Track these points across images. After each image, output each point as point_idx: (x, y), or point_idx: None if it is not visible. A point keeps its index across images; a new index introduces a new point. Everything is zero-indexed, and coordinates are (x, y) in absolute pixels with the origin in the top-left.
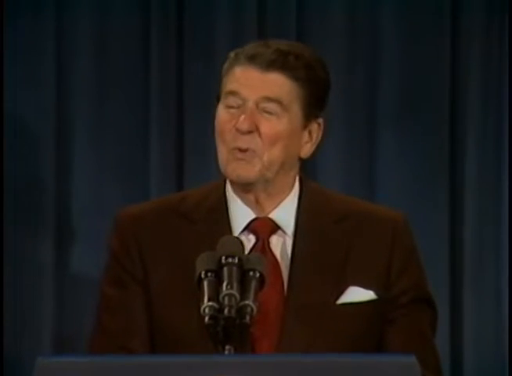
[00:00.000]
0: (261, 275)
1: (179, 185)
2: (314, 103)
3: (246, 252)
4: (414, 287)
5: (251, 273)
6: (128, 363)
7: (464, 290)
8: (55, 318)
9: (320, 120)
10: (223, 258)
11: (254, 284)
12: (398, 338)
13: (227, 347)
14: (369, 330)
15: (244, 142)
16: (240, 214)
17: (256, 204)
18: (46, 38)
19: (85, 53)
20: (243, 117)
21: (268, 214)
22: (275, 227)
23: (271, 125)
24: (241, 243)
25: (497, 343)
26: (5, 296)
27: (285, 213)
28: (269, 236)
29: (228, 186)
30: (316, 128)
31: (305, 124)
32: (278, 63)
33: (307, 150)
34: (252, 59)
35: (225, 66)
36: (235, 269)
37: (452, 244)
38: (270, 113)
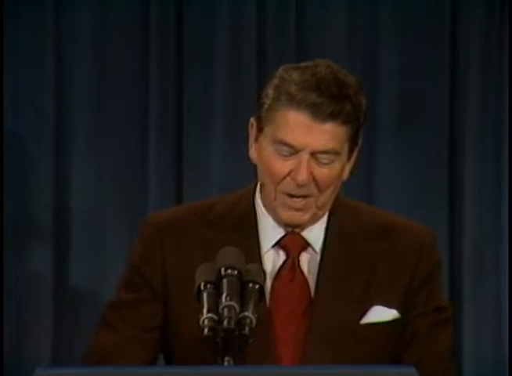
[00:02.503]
0: (261, 287)
1: (178, 198)
2: (357, 135)
3: (277, 268)
4: (429, 301)
5: (251, 285)
6: (126, 375)
7: (464, 302)
8: (54, 329)
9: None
10: (222, 269)
11: (253, 296)
12: (413, 352)
13: (226, 358)
14: (391, 349)
15: (302, 191)
16: (271, 229)
17: None
18: (45, 47)
19: (84, 64)
20: (302, 170)
21: (298, 230)
22: (305, 244)
23: (327, 173)
24: (241, 254)
25: (497, 354)
26: (6, 307)
27: (315, 230)
28: (300, 253)
29: (258, 199)
30: (355, 153)
31: (350, 156)
32: (335, 113)
33: (347, 173)
34: (308, 109)
35: (270, 93)
36: (234, 280)
37: (452, 255)
38: (325, 163)
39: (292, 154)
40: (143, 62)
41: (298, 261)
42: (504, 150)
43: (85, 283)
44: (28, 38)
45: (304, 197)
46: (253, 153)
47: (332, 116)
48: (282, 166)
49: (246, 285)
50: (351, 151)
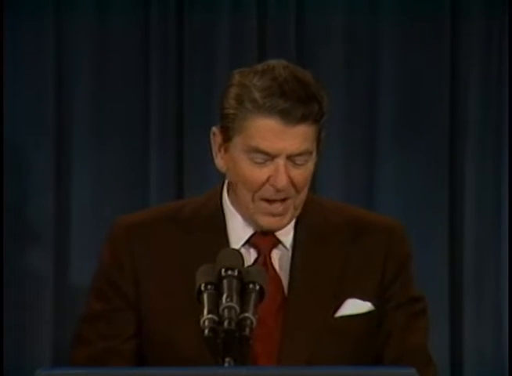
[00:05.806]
0: (261, 287)
1: (179, 198)
2: (321, 130)
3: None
4: (403, 293)
5: (251, 286)
6: (125, 375)
7: (464, 303)
8: (54, 330)
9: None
10: (223, 270)
11: (253, 297)
12: (393, 346)
13: (227, 359)
14: (367, 342)
15: (281, 195)
16: (240, 227)
17: None
18: (45, 48)
19: (85, 67)
20: (281, 176)
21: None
22: (276, 242)
23: (303, 174)
24: (241, 255)
25: (497, 355)
26: (6, 308)
27: (285, 227)
28: (271, 250)
29: (226, 199)
30: (320, 145)
31: (317, 152)
32: (304, 116)
33: (314, 168)
34: (278, 115)
35: (233, 103)
36: (235, 281)
37: (452, 255)
38: (301, 164)
39: (267, 160)
40: (144, 63)
41: (270, 258)
42: (504, 150)
43: (85, 283)
44: (28, 42)
45: (283, 200)
46: (219, 162)
47: (303, 119)
48: (259, 174)
49: (247, 286)
50: (318, 146)
